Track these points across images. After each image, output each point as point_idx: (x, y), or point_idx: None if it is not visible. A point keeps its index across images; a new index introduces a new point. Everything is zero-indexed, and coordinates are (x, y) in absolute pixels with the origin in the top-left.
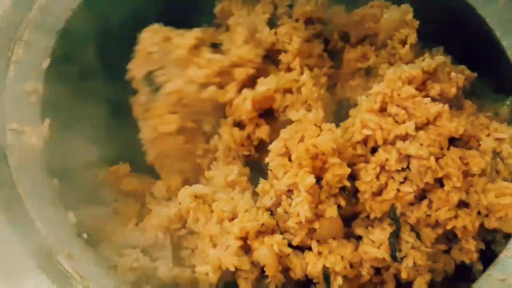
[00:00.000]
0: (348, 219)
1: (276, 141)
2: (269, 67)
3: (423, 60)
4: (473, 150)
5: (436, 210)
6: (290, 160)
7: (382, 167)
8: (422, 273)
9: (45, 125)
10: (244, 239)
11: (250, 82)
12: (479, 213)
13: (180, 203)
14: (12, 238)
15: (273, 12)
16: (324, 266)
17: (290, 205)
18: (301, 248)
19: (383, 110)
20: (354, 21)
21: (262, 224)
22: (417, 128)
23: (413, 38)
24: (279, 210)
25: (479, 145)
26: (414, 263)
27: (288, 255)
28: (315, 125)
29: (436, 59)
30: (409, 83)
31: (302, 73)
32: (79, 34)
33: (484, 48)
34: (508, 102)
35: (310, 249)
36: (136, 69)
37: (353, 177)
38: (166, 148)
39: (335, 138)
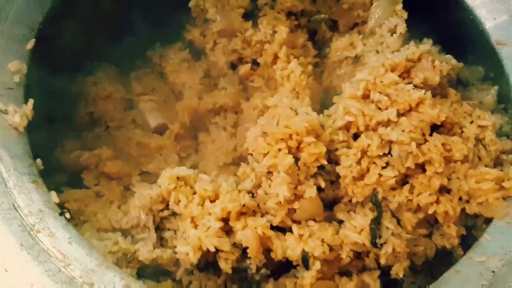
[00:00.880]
0: (331, 203)
1: (254, 126)
2: None
3: (408, 49)
4: (456, 137)
5: (417, 195)
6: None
7: (364, 153)
8: (401, 260)
9: (29, 105)
10: (225, 220)
11: None
12: (460, 199)
13: (160, 186)
14: None
15: (253, 4)
16: (303, 250)
17: (270, 186)
18: (283, 230)
19: (366, 97)
20: (343, 9)
21: (244, 205)
22: (400, 115)
23: (402, 28)
24: (260, 191)
25: (462, 132)
26: (394, 250)
27: (270, 237)
28: (291, 108)
29: (421, 47)
30: (392, 70)
31: (288, 62)
32: (65, 15)
33: (470, 37)
34: (492, 92)
35: (291, 230)
36: None
37: (337, 162)
38: None
39: (309, 119)
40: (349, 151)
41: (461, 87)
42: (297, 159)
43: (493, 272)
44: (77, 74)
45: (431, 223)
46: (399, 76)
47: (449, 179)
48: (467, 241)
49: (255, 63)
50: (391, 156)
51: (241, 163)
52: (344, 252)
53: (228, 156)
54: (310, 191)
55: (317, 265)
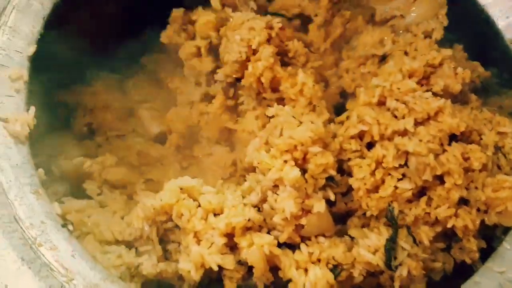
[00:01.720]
0: (343, 216)
1: (258, 137)
2: None
3: (429, 53)
4: (474, 145)
5: (435, 208)
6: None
7: (379, 163)
8: (417, 282)
9: (30, 113)
10: (230, 235)
11: None
12: (478, 209)
13: (161, 199)
14: None
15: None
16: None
17: (276, 200)
18: (291, 245)
19: (381, 104)
20: None
21: (249, 220)
22: (417, 123)
23: (439, 34)
24: (265, 206)
25: (481, 139)
26: (409, 272)
27: (278, 255)
28: (293, 117)
29: (442, 51)
30: (410, 76)
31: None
32: (66, 21)
33: (490, 40)
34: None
35: (299, 246)
36: None
37: (349, 174)
38: None
39: (315, 128)
40: (363, 162)
41: (479, 91)
42: (304, 171)
43: None
44: (74, 84)
45: (448, 235)
46: (418, 82)
47: (467, 189)
48: (486, 252)
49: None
50: (408, 167)
51: (246, 175)
52: (357, 271)
53: (226, 171)
54: (318, 206)
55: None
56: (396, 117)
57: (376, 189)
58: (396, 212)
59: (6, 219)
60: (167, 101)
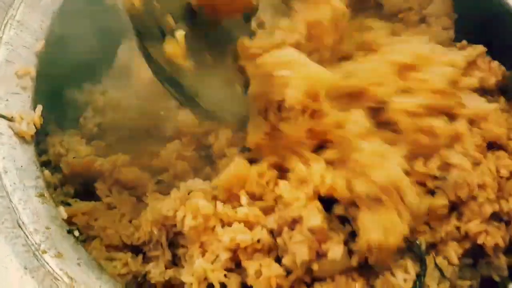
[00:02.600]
0: None
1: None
2: None
3: (459, 49)
4: (501, 151)
5: (466, 223)
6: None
7: None
8: None
9: (37, 111)
10: (235, 251)
11: None
12: (506, 222)
13: (168, 210)
14: None
15: None
16: None
17: (290, 238)
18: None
19: None
20: None
21: (258, 241)
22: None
23: (451, 31)
24: (279, 240)
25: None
26: None
27: None
28: None
29: (476, 48)
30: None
31: None
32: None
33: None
34: None
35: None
36: None
37: None
38: None
39: None
40: None
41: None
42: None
43: None
44: (85, 83)
45: (475, 250)
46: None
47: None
48: None
49: None
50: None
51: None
52: None
53: None
54: (334, 252)
55: None
56: None
57: None
58: (423, 247)
59: (9, 224)
60: None
